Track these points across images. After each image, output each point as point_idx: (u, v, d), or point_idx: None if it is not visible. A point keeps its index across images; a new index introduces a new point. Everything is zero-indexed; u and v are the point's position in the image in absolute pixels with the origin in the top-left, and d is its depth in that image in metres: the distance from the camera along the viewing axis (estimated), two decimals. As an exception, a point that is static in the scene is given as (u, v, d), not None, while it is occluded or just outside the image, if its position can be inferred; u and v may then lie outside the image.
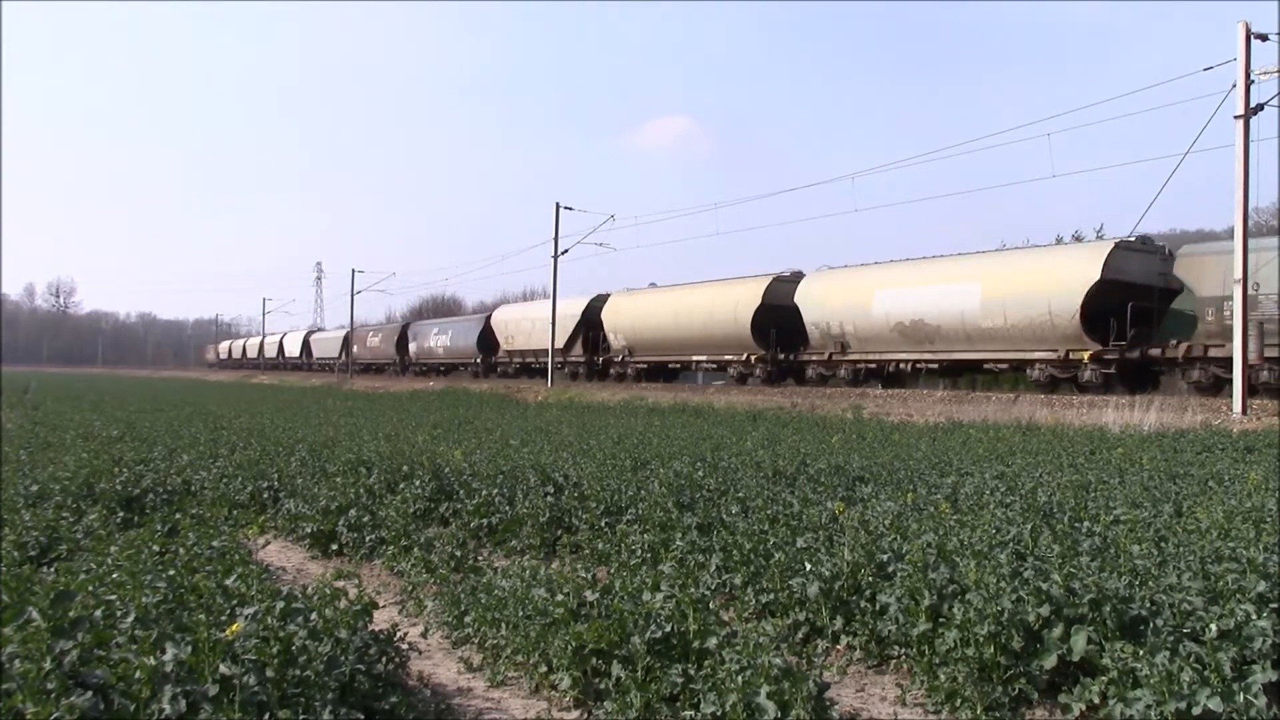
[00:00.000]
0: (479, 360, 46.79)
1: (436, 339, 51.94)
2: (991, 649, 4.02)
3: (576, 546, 6.77)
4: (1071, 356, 22.44)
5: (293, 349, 79.12)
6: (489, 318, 46.77)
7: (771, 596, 5.19)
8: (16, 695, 2.83)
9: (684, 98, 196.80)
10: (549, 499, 7.76)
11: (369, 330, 65.26)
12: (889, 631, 4.59)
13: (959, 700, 3.96)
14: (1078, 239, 45.92)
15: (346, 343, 65.71)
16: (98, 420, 17.49)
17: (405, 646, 4.20)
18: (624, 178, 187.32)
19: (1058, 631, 4.04)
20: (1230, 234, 19.33)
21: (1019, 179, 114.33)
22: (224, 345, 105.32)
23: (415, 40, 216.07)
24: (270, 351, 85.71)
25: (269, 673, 3.17)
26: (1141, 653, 3.73)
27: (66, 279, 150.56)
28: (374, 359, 61.43)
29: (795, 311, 29.15)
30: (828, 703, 3.62)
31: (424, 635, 5.08)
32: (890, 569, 5.03)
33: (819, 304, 28.63)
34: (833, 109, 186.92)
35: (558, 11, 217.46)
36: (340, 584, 4.27)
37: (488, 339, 45.94)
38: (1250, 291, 18.04)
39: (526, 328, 42.28)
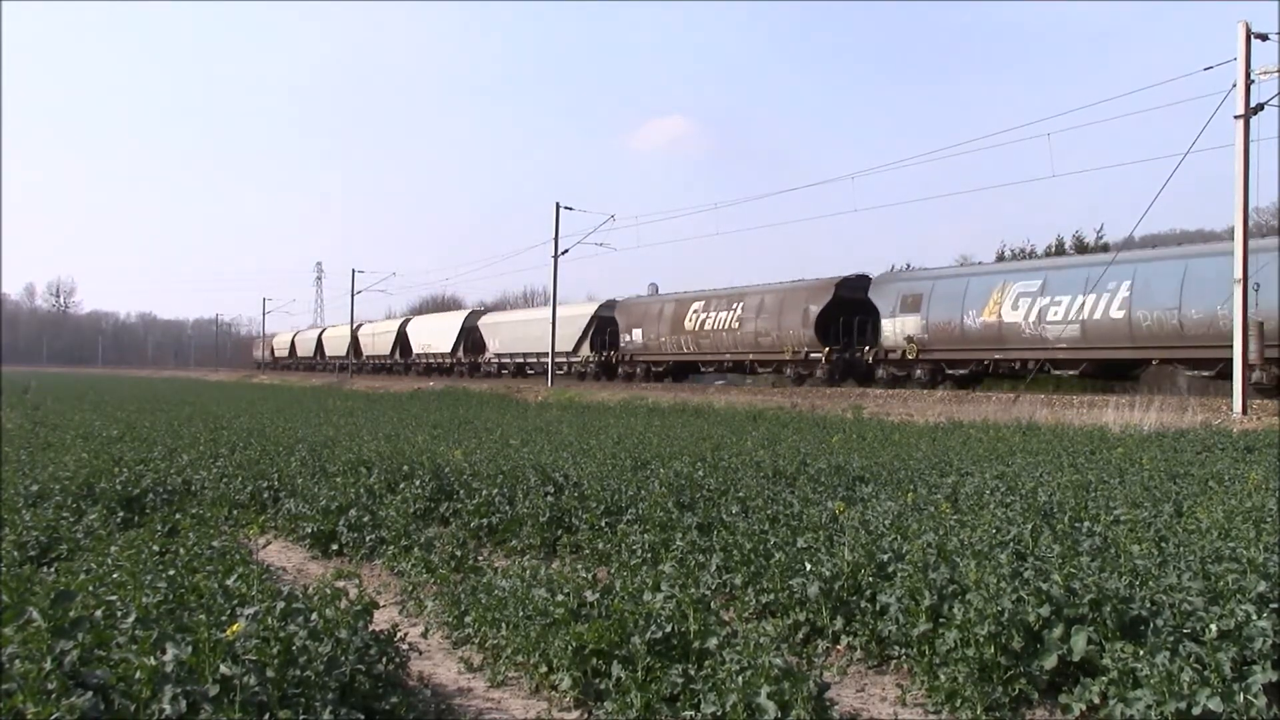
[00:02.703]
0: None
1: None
2: (992, 649, 4.02)
3: (577, 546, 6.77)
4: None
5: (439, 342, 54.71)
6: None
7: (772, 596, 5.19)
8: (17, 695, 2.83)
9: (684, 98, 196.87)
10: (549, 499, 7.75)
11: (638, 303, 39.62)
12: (889, 631, 4.59)
13: (959, 700, 3.96)
14: (1078, 239, 46.00)
15: (597, 329, 41.03)
16: (98, 420, 17.49)
17: (405, 647, 4.20)
18: (624, 178, 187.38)
19: (1058, 632, 4.04)
20: (1230, 234, 19.33)
21: (1019, 179, 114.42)
22: (282, 339, 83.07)
23: (415, 40, 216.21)
24: (376, 345, 62.98)
25: (269, 673, 3.17)
26: (1142, 653, 3.73)
27: (66, 279, 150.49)
28: (649, 355, 37.36)
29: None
30: (828, 703, 3.62)
31: (424, 635, 5.08)
32: (890, 569, 5.03)
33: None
34: (833, 109, 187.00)
35: (558, 11, 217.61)
36: (340, 584, 4.27)
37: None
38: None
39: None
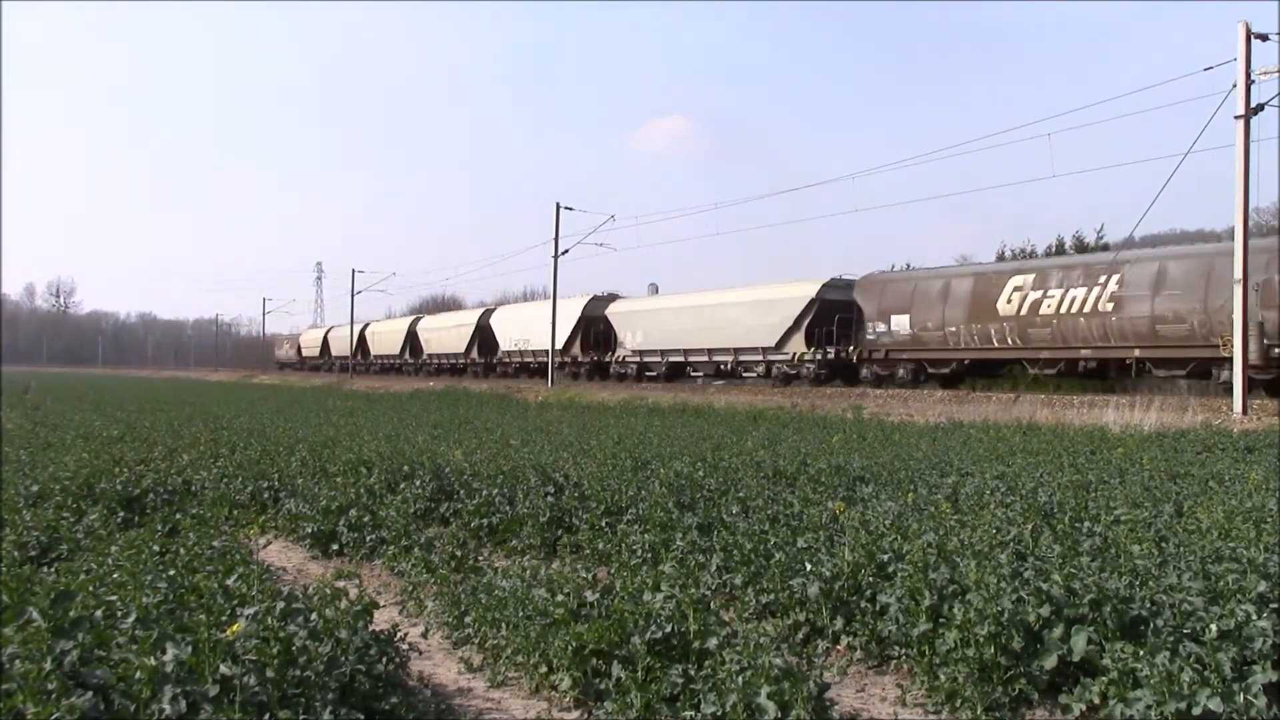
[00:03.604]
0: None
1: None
2: (992, 649, 4.01)
3: (577, 546, 6.77)
4: None
5: (538, 336, 42.82)
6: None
7: (772, 597, 5.19)
8: (17, 695, 2.83)
9: (684, 98, 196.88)
10: (549, 499, 7.75)
11: (902, 280, 30.09)
12: (889, 632, 4.59)
13: (959, 700, 3.96)
14: (1079, 240, 46.01)
15: (818, 316, 31.05)
16: (98, 420, 17.48)
17: (406, 647, 4.20)
18: (624, 178, 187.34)
19: (1058, 632, 4.04)
20: (1230, 234, 19.32)
21: (1019, 179, 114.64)
22: (311, 336, 75.58)
23: (416, 40, 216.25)
24: (443, 342, 53.46)
25: (269, 673, 3.17)
26: (1142, 653, 3.73)
27: (66, 279, 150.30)
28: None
29: None
30: (828, 703, 3.62)
31: (424, 635, 5.08)
32: (891, 569, 5.03)
33: None
34: (833, 109, 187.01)
35: (558, 11, 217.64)
36: (341, 584, 4.27)
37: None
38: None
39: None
